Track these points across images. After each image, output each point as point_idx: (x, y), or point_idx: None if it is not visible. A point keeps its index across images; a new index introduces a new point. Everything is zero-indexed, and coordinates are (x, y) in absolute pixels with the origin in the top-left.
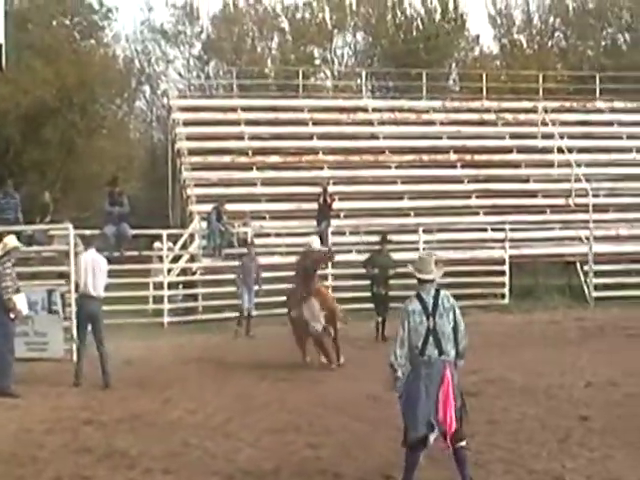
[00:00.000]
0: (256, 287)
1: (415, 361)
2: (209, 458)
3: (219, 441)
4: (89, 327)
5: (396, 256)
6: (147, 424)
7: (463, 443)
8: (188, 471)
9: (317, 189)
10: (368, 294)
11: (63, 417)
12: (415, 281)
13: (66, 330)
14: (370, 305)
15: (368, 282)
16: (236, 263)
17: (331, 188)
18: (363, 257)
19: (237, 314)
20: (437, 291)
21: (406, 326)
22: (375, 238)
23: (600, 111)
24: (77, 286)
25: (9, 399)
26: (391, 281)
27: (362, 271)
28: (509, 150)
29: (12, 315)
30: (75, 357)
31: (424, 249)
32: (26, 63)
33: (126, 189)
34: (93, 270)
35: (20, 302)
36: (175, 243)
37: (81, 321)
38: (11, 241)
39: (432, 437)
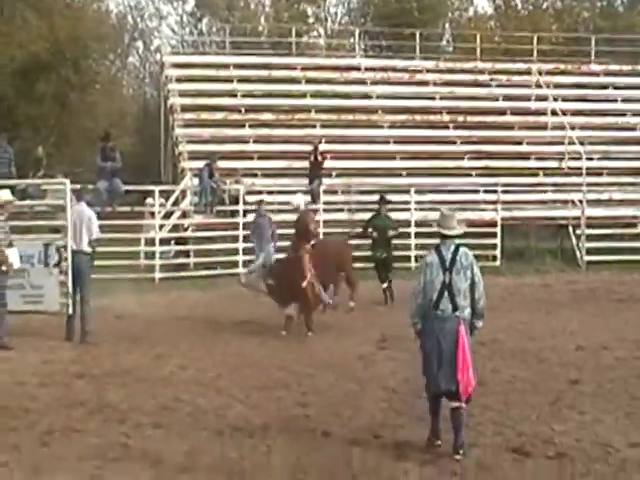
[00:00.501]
0: (272, 244)
1: (429, 315)
2: (199, 413)
3: (210, 397)
4: None
5: None
6: (138, 379)
7: (463, 405)
8: (178, 426)
9: (309, 147)
10: (360, 253)
11: (56, 370)
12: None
13: (62, 284)
14: (363, 265)
15: (356, 242)
16: (227, 220)
17: (323, 147)
18: (354, 216)
19: (247, 270)
20: (457, 247)
21: (422, 278)
22: (366, 198)
23: (595, 74)
24: None
25: (2, 351)
26: (394, 241)
27: (354, 230)
28: (502, 112)
29: (4, 268)
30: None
31: (416, 210)
32: (20, 16)
33: (119, 145)
34: (78, 224)
35: (12, 255)
36: (167, 199)
37: (72, 276)
38: (5, 195)
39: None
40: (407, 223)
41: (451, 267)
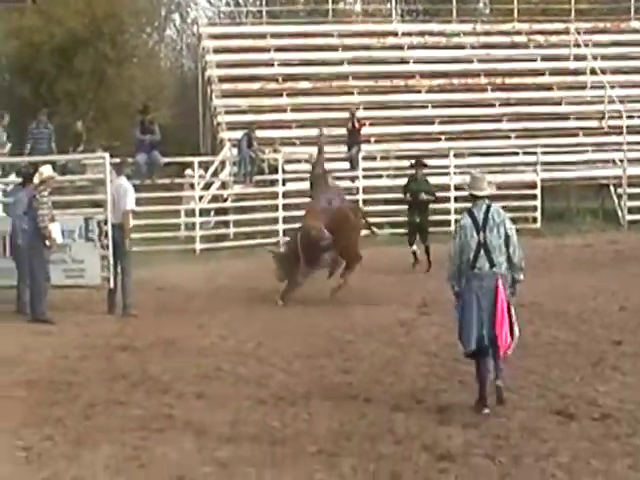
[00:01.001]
0: None
1: (467, 274)
2: (242, 383)
3: (251, 366)
4: None
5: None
6: (180, 350)
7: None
8: (221, 396)
9: (347, 115)
10: (399, 219)
11: (97, 344)
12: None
13: (103, 258)
14: (395, 230)
15: (395, 207)
16: (266, 190)
17: (361, 113)
18: (393, 182)
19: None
20: (488, 207)
21: (457, 241)
22: (406, 163)
23: (635, 31)
24: None
25: (44, 325)
26: (432, 206)
27: (394, 196)
28: (541, 73)
29: (47, 243)
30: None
31: (455, 173)
32: None
33: (157, 118)
34: (116, 198)
35: (55, 230)
36: (206, 170)
37: (112, 249)
38: (47, 170)
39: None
40: (447, 187)
41: (484, 226)
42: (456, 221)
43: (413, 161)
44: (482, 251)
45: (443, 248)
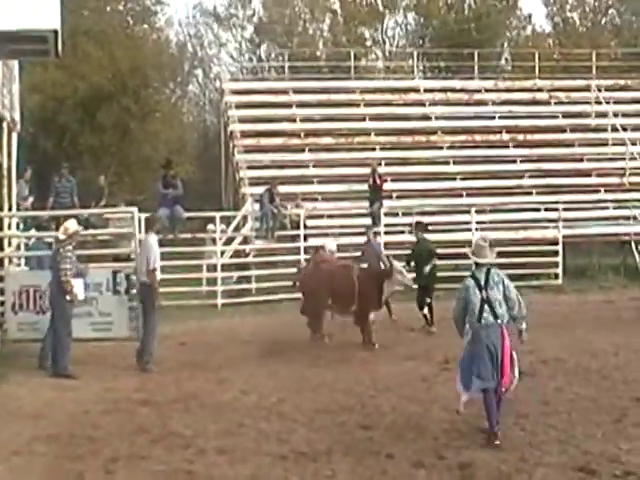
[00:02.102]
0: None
1: (474, 327)
2: (263, 438)
3: (273, 422)
4: None
5: (448, 237)
6: (202, 405)
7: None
8: (242, 451)
9: (368, 170)
10: None
11: (119, 398)
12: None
13: (131, 309)
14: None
15: None
16: (288, 245)
17: (383, 169)
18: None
19: None
20: (488, 269)
21: (461, 298)
22: (428, 219)
23: None
24: None
25: (66, 380)
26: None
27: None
28: (562, 129)
29: (68, 298)
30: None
31: (477, 230)
32: (82, 49)
33: (179, 172)
34: (141, 255)
35: (77, 286)
36: (228, 225)
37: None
38: (72, 225)
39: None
40: (468, 243)
41: (486, 285)
42: None
43: (414, 224)
44: (486, 306)
45: None
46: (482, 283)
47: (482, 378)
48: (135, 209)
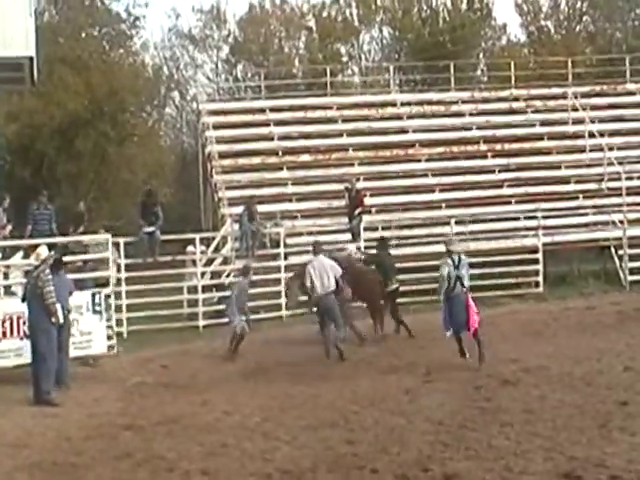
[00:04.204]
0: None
1: (450, 293)
2: (247, 458)
3: (256, 441)
4: None
5: (429, 249)
6: (185, 427)
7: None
8: (226, 472)
9: (347, 185)
10: (403, 288)
11: (102, 423)
12: None
13: (108, 328)
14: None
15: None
16: (269, 264)
17: (362, 184)
18: (396, 251)
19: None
20: (458, 256)
21: (445, 272)
22: (407, 232)
23: (631, 93)
24: None
25: (48, 407)
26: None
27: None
28: (540, 137)
29: (53, 320)
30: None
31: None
32: (58, 76)
33: (158, 196)
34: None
35: (59, 309)
36: (208, 246)
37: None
38: (43, 251)
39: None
40: None
41: (457, 266)
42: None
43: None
44: (458, 281)
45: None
46: (456, 264)
47: (458, 326)
48: (109, 235)
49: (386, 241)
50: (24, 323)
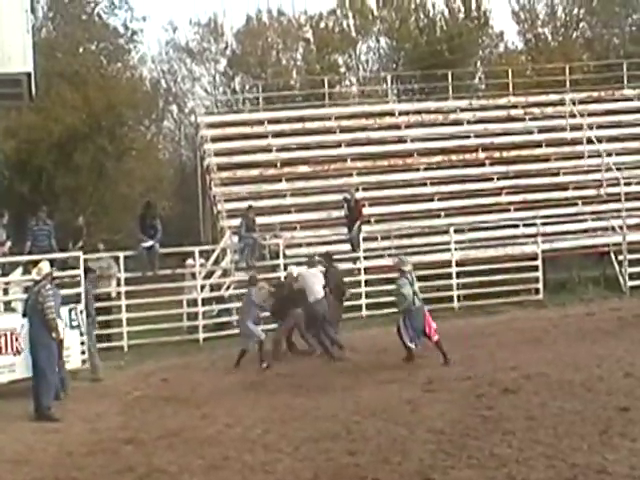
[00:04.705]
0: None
1: (411, 308)
2: (248, 471)
3: (258, 453)
4: None
5: (428, 258)
6: (186, 440)
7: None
8: None
9: (346, 196)
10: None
11: (103, 438)
12: None
13: (82, 344)
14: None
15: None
16: (269, 275)
17: (361, 194)
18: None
19: None
20: (410, 273)
21: (406, 290)
22: (407, 241)
23: (628, 99)
24: None
25: (48, 423)
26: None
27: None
28: (538, 144)
29: (54, 335)
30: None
31: (456, 249)
32: (56, 91)
33: (157, 209)
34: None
35: (60, 324)
36: (207, 259)
37: None
38: (45, 266)
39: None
40: (448, 263)
41: (412, 283)
42: (459, 297)
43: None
44: (415, 296)
45: (446, 325)
46: (412, 282)
47: (418, 337)
48: (80, 253)
49: (330, 256)
50: (16, 339)
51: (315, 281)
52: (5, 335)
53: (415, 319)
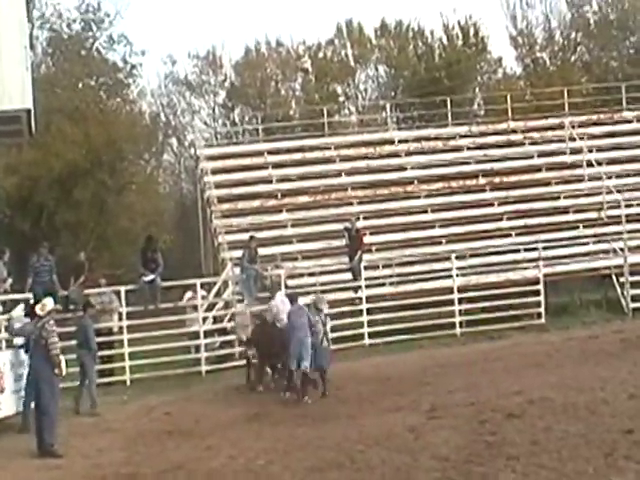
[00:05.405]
0: None
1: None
2: None
3: None
4: None
5: (430, 285)
6: (190, 473)
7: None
8: None
9: (347, 225)
10: (401, 326)
11: (105, 474)
12: None
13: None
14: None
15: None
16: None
17: (361, 222)
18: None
19: None
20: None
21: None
22: (408, 269)
23: (628, 121)
24: None
25: (51, 459)
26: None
27: (397, 303)
28: (538, 169)
29: (57, 371)
30: None
31: (457, 275)
32: (56, 127)
33: (158, 242)
34: None
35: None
36: (209, 291)
37: None
38: (49, 303)
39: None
40: (450, 290)
41: (325, 322)
42: (462, 324)
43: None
44: (325, 335)
45: (449, 351)
46: (323, 321)
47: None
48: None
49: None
50: (1, 378)
51: (284, 309)
52: None
53: (320, 355)
